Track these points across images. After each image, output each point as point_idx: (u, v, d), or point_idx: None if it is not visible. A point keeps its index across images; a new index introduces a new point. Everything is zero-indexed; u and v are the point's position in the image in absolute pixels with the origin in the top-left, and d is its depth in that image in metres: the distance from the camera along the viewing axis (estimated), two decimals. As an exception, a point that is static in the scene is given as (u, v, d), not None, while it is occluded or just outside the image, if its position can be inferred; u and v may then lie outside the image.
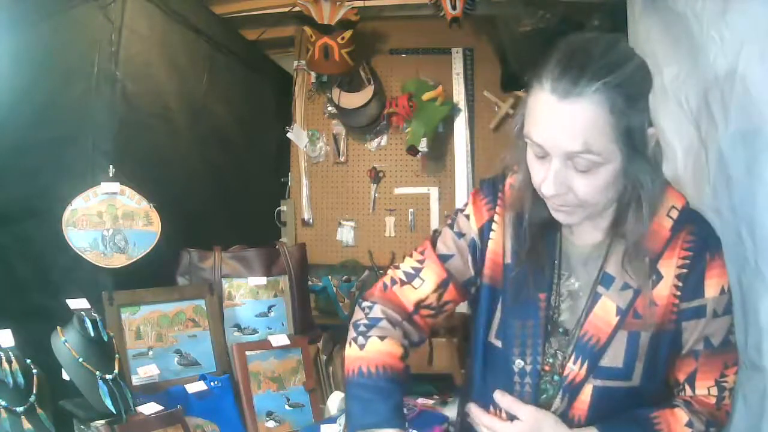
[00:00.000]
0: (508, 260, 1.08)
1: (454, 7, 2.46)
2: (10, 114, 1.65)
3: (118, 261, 1.68)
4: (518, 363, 1.03)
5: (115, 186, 1.70)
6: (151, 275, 1.77)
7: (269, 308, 1.92)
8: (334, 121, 3.12)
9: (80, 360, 1.33)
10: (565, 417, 0.99)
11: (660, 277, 0.98)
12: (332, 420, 1.64)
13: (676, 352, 1.02)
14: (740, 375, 1.23)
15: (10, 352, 1.24)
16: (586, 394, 0.99)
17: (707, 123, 1.35)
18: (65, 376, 1.34)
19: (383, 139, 3.10)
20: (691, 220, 1.01)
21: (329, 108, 3.09)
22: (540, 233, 1.05)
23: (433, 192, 3.07)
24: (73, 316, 1.39)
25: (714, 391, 1.00)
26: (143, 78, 1.91)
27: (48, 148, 1.70)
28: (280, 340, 1.85)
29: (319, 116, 3.14)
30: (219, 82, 2.44)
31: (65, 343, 1.34)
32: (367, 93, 2.95)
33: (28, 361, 1.28)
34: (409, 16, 3.01)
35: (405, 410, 1.64)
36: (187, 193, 2.13)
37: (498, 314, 1.09)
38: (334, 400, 1.77)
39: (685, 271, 0.97)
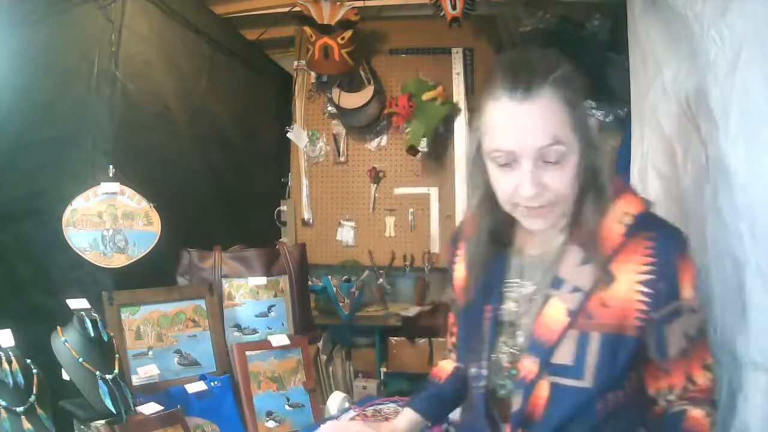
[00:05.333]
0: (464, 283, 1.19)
1: (454, 7, 2.46)
2: (10, 114, 1.65)
3: (118, 261, 1.68)
4: (472, 370, 1.12)
5: (115, 186, 1.70)
6: (151, 275, 1.77)
7: (269, 308, 1.92)
8: (334, 121, 3.12)
9: (80, 360, 1.33)
10: (523, 412, 1.03)
11: (612, 279, 1.00)
12: (332, 420, 1.64)
13: (644, 359, 1.04)
14: (741, 374, 1.23)
15: (10, 352, 1.24)
16: (543, 390, 1.03)
17: (707, 123, 1.35)
18: (65, 376, 1.34)
19: (383, 139, 3.11)
20: (649, 226, 1.02)
21: (329, 108, 3.09)
22: (490, 251, 1.14)
23: (433, 192, 3.07)
24: (73, 316, 1.39)
25: (708, 374, 1.04)
26: (143, 78, 1.91)
27: (48, 148, 1.70)
28: (280, 340, 1.85)
29: (319, 116, 3.14)
30: (219, 82, 2.45)
31: (65, 343, 1.34)
32: (367, 93, 2.95)
33: (28, 361, 1.28)
34: (409, 16, 3.01)
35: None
36: (187, 193, 2.13)
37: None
38: (334, 400, 1.77)
39: (651, 277, 0.98)
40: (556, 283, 1.05)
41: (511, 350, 1.09)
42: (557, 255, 1.07)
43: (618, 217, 1.02)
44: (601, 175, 1.02)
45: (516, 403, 1.05)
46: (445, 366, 1.34)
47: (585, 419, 1.01)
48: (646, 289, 0.98)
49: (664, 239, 1.00)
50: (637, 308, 0.99)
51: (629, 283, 0.99)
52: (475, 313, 1.13)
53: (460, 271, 1.22)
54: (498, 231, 1.12)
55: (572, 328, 1.01)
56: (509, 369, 1.08)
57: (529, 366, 1.04)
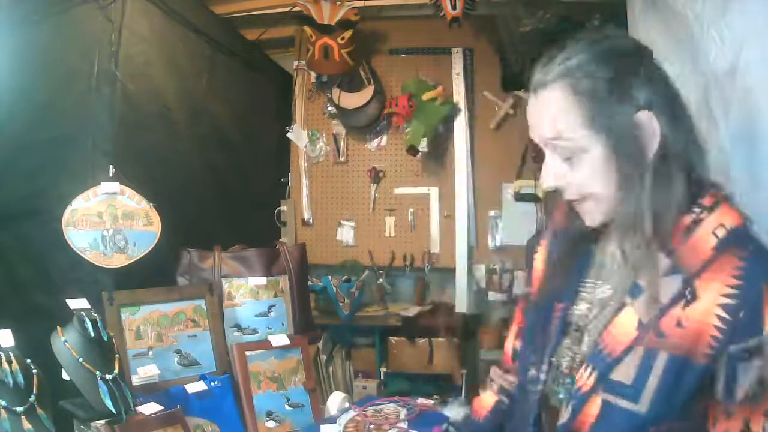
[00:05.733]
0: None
1: (454, 7, 2.46)
2: (10, 114, 1.65)
3: (118, 261, 1.68)
4: (531, 372, 1.04)
5: (115, 186, 1.70)
6: (151, 275, 1.77)
7: (269, 308, 1.92)
8: (334, 121, 3.12)
9: (80, 360, 1.33)
10: (569, 426, 0.95)
11: (694, 297, 0.88)
12: (332, 420, 1.64)
13: (710, 394, 0.89)
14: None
15: (10, 352, 1.24)
16: (594, 407, 0.93)
17: (707, 123, 1.35)
18: (65, 376, 1.34)
19: (383, 139, 3.11)
20: (741, 244, 0.88)
21: (329, 108, 3.09)
22: (573, 245, 1.06)
23: (433, 192, 3.07)
24: (73, 316, 1.39)
25: (766, 423, 0.87)
26: (143, 78, 1.91)
27: (48, 148, 1.70)
28: (280, 340, 1.85)
29: (319, 116, 3.14)
30: (219, 82, 2.45)
31: (65, 343, 1.34)
32: (367, 93, 2.95)
33: (28, 361, 1.28)
34: (409, 16, 3.02)
35: (405, 410, 1.65)
36: (187, 193, 2.13)
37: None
38: (334, 400, 1.77)
39: (733, 302, 0.85)
40: (634, 290, 0.92)
41: (573, 356, 1.00)
42: (635, 258, 0.94)
43: (712, 228, 0.90)
44: (629, 175, 0.90)
45: (564, 414, 0.96)
46: (486, 401, 1.24)
47: None
48: (724, 315, 0.85)
49: (755, 261, 0.87)
50: (711, 334, 0.86)
51: (709, 304, 0.86)
52: (546, 311, 1.04)
53: (539, 263, 1.14)
54: (578, 223, 1.01)
55: (639, 344, 0.90)
56: (566, 376, 0.99)
57: (586, 377, 0.94)
